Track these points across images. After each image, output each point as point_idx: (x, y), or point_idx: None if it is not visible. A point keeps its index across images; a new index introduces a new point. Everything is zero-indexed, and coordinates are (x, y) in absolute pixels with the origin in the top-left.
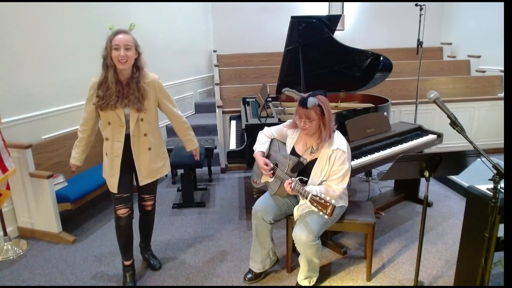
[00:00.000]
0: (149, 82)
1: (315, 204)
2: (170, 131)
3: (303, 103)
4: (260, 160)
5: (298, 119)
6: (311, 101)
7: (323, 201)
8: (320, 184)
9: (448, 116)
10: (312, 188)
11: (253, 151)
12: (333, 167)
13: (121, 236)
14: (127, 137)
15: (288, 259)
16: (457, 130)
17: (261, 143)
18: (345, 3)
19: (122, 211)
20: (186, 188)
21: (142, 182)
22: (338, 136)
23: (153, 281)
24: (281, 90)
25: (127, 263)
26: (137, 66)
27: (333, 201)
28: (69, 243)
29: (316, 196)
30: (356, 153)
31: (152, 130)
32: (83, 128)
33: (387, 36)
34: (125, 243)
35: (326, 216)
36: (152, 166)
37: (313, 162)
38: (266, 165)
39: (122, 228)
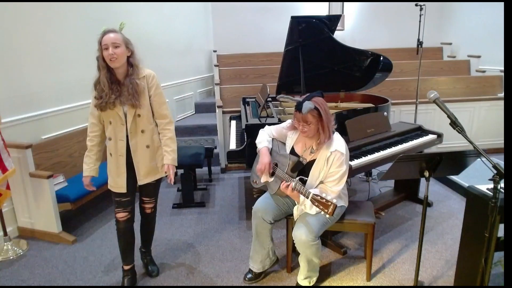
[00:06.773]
0: (143, 77)
1: (317, 204)
2: None
3: (298, 108)
4: (264, 157)
5: (297, 123)
6: (306, 106)
7: (324, 200)
8: (318, 185)
9: (448, 116)
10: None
11: (253, 151)
12: (331, 169)
13: (120, 239)
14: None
15: (288, 259)
16: (457, 130)
17: (265, 140)
18: (345, 3)
19: (121, 215)
20: (186, 188)
21: (141, 181)
22: (337, 137)
23: (153, 281)
24: (276, 97)
25: (127, 267)
26: (131, 64)
27: (334, 200)
28: (69, 243)
29: (317, 195)
30: (356, 153)
31: (149, 127)
32: (91, 135)
33: (387, 36)
34: (124, 246)
35: (327, 216)
36: (151, 164)
37: (312, 162)
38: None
39: (121, 231)
